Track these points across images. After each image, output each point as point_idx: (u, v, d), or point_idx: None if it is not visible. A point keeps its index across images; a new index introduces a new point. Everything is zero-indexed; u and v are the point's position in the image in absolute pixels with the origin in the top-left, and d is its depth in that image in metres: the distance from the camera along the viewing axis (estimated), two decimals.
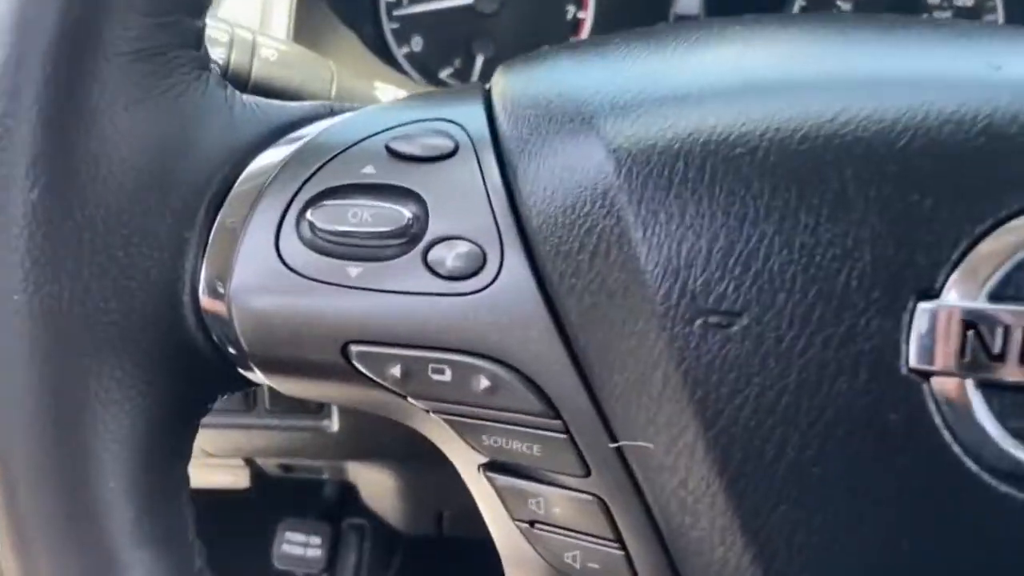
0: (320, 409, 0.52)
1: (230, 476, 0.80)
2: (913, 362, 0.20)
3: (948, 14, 0.65)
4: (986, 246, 0.20)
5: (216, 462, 0.75)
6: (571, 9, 0.64)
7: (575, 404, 0.22)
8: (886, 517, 0.21)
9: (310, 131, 0.25)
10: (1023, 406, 0.20)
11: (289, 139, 0.25)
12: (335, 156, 0.24)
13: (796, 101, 0.22)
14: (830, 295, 0.20)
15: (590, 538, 0.24)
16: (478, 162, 0.23)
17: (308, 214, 0.23)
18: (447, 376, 0.23)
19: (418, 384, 0.23)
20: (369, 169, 0.23)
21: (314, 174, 0.23)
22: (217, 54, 0.34)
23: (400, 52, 0.63)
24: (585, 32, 0.64)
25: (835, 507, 0.21)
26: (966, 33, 0.27)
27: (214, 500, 0.77)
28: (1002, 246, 0.20)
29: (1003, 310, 0.19)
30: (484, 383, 0.22)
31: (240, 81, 0.34)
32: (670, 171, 0.21)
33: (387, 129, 0.24)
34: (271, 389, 0.52)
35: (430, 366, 0.23)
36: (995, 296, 0.20)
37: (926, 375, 0.20)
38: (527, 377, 0.22)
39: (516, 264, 0.22)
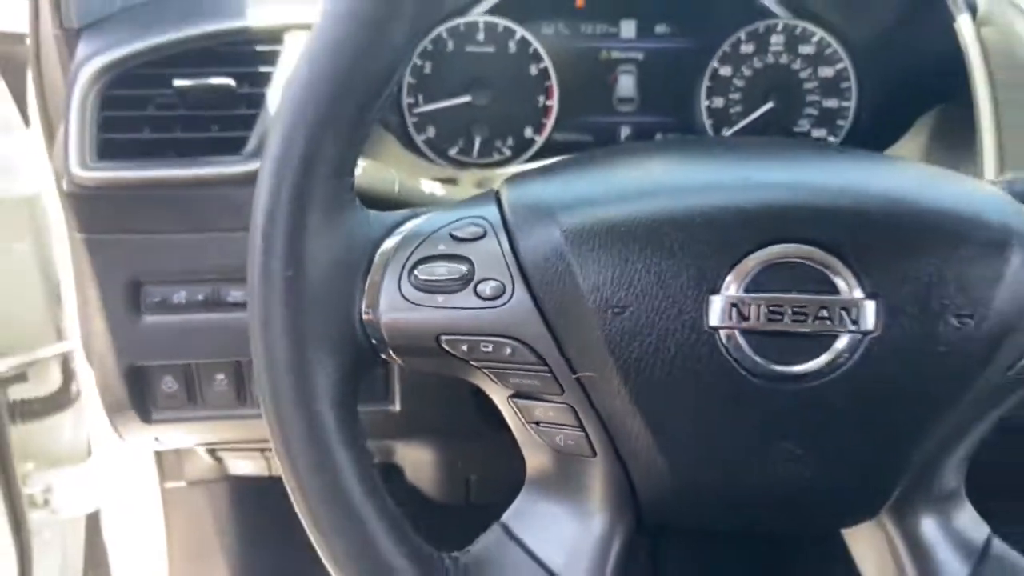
0: (386, 396, 0.74)
1: (262, 463, 1.00)
2: (711, 323, 0.42)
3: (814, 84, 0.87)
4: (740, 267, 0.41)
5: (244, 448, 0.95)
6: (541, 99, 0.87)
7: (554, 357, 0.43)
8: (703, 406, 0.42)
9: (407, 227, 0.46)
10: (763, 342, 0.42)
11: (397, 232, 0.46)
12: (424, 241, 0.45)
13: (655, 200, 0.43)
14: (670, 295, 0.42)
15: (567, 428, 0.45)
16: (497, 239, 0.44)
17: (415, 271, 0.44)
18: (490, 349, 0.44)
19: (475, 354, 0.44)
20: (442, 247, 0.45)
21: (414, 251, 0.45)
22: None
23: (420, 138, 0.85)
24: (551, 116, 0.86)
25: (679, 401, 0.42)
26: (767, 150, 0.49)
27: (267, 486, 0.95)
28: (747, 267, 0.41)
29: (749, 297, 0.41)
30: (508, 351, 0.44)
31: None
32: (593, 240, 0.43)
33: (448, 224, 0.45)
34: None
35: (481, 344, 0.44)
36: (747, 290, 0.42)
37: (717, 330, 0.42)
38: (529, 346, 0.43)
39: (521, 291, 0.43)
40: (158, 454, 1.14)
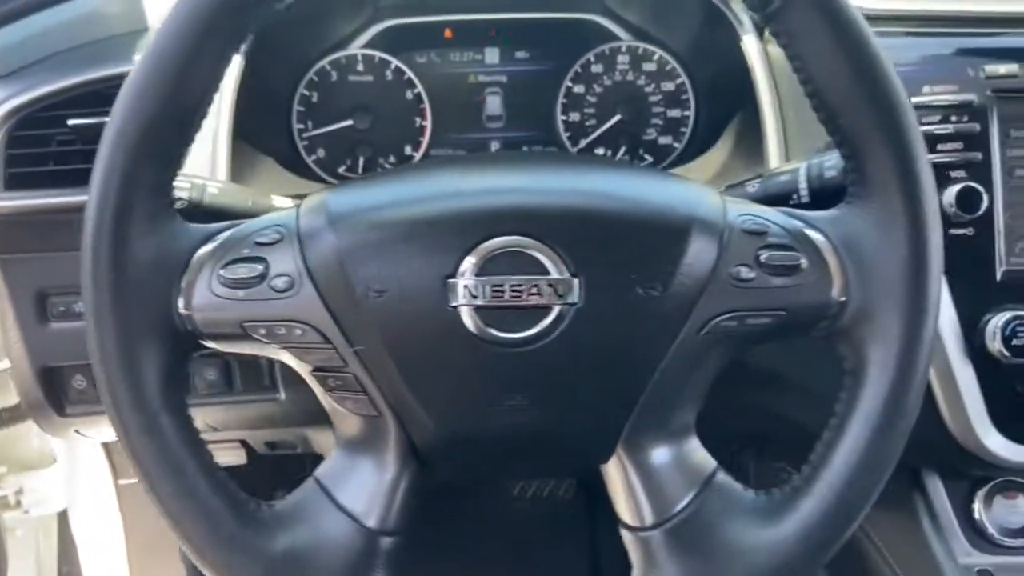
0: (273, 386, 0.85)
1: (230, 455, 1.11)
2: (451, 303, 0.52)
3: (659, 97, 0.98)
4: (471, 256, 0.52)
5: (217, 444, 1.06)
6: (417, 120, 0.98)
7: (335, 335, 0.54)
8: (451, 370, 0.53)
9: (223, 235, 0.56)
10: (493, 316, 0.52)
11: (214, 240, 0.56)
12: (233, 246, 0.54)
13: (411, 206, 0.55)
14: (419, 280, 0.52)
15: (354, 393, 0.55)
16: (291, 243, 0.55)
17: (222, 272, 0.53)
18: (284, 331, 0.53)
19: (273, 336, 0.54)
20: (246, 251, 0.54)
21: (224, 255, 0.54)
22: (185, 195, 0.67)
23: (310, 159, 0.97)
24: (427, 135, 0.98)
25: (431, 366, 0.53)
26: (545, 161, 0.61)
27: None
28: (477, 257, 0.52)
29: (479, 280, 0.52)
30: (299, 332, 0.54)
31: (199, 208, 0.68)
32: (361, 239, 0.53)
33: (256, 231, 0.56)
34: (242, 375, 0.85)
35: (276, 328, 0.54)
36: (477, 275, 0.53)
37: (456, 308, 0.53)
38: (315, 328, 0.54)
39: (308, 284, 0.54)
40: (109, 453, 1.25)
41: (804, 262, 0.55)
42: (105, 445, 1.24)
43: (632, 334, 0.54)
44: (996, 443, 0.77)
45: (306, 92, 0.96)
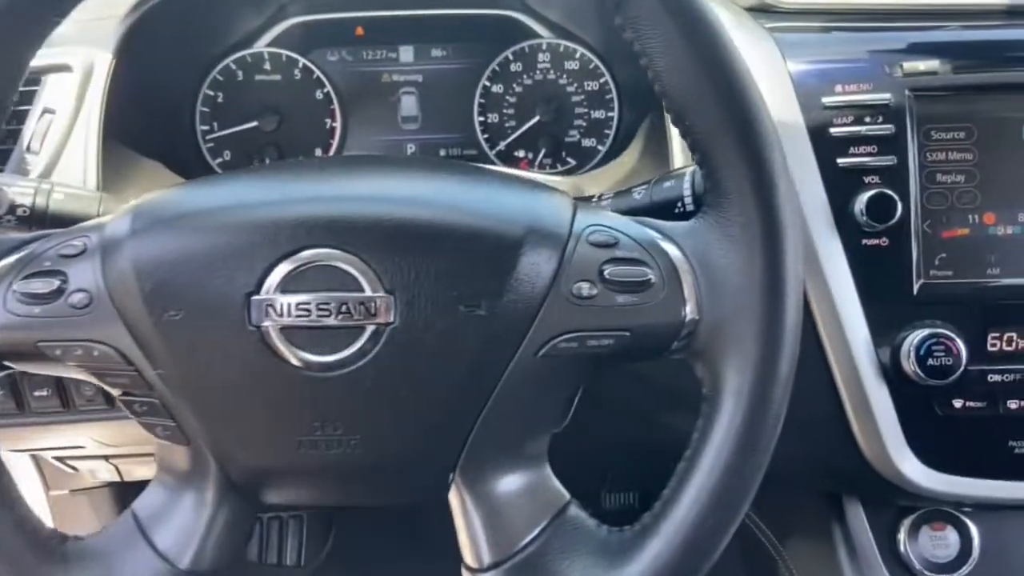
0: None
1: (145, 469, 1.07)
2: (252, 322, 0.47)
3: (581, 97, 0.93)
4: (275, 271, 0.48)
5: (128, 457, 1.02)
6: (328, 121, 0.94)
7: (137, 357, 0.49)
8: (256, 395, 0.48)
9: (28, 248, 0.50)
10: (300, 336, 0.48)
11: (16, 252, 0.50)
12: (35, 259, 0.49)
13: (207, 217, 0.50)
14: (216, 298, 0.48)
15: (162, 420, 0.51)
16: (93, 256, 0.50)
17: (19, 287, 0.48)
18: (80, 352, 0.48)
19: (69, 357, 0.48)
20: (47, 264, 0.49)
21: (23, 268, 0.49)
22: (28, 201, 0.63)
23: (215, 162, 0.93)
24: (336, 137, 0.94)
25: (234, 391, 0.48)
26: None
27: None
28: (281, 271, 0.48)
29: (283, 297, 0.48)
30: (95, 352, 0.49)
31: (43, 214, 0.64)
32: (155, 256, 0.47)
33: (61, 243, 0.52)
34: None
35: (73, 349, 0.49)
36: (283, 291, 0.48)
37: (258, 327, 0.48)
38: (115, 348, 0.49)
39: (106, 300, 0.49)
40: (39, 465, 1.22)
41: (654, 277, 0.50)
42: (34, 457, 1.21)
43: (457, 357, 0.49)
44: (913, 470, 0.71)
45: (210, 92, 0.92)
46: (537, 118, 0.92)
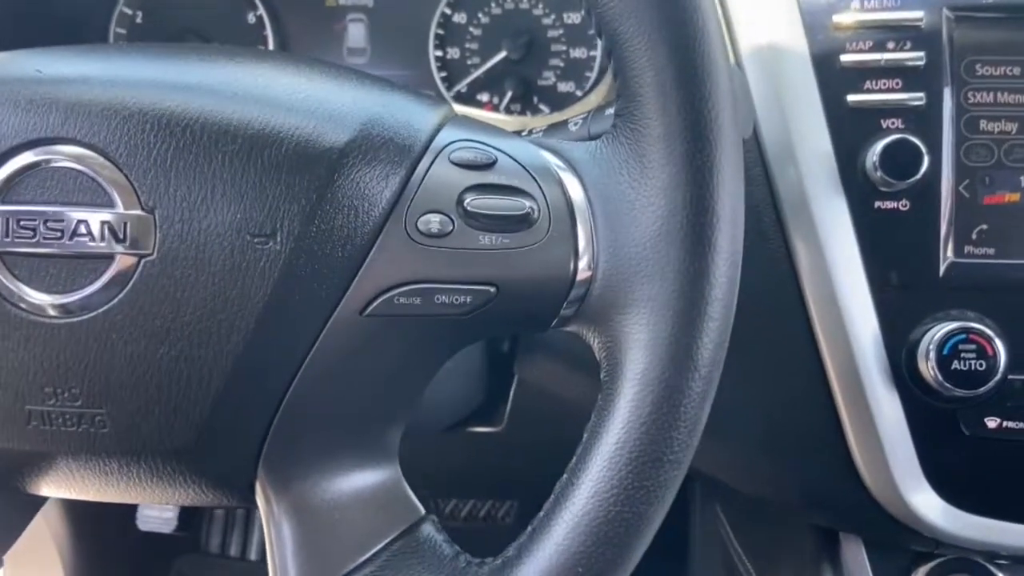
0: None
1: None
2: None
3: (559, 32, 0.78)
4: None
5: None
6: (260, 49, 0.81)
7: None
8: None
9: None
10: (29, 267, 0.34)
11: None
12: None
13: None
14: None
15: None
16: None
17: None
18: None
19: None
20: None
21: None
22: None
23: None
24: None
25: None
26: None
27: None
28: (4, 174, 0.35)
29: (3, 208, 0.35)
30: None
31: None
32: None
33: None
34: None
35: None
36: (2, 202, 0.35)
37: None
38: None
39: None
40: None
41: (535, 212, 0.35)
42: None
43: (242, 305, 0.34)
44: (930, 507, 0.55)
45: (127, 10, 0.79)
46: (504, 54, 0.77)
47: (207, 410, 0.36)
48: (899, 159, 0.51)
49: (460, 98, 0.79)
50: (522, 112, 0.79)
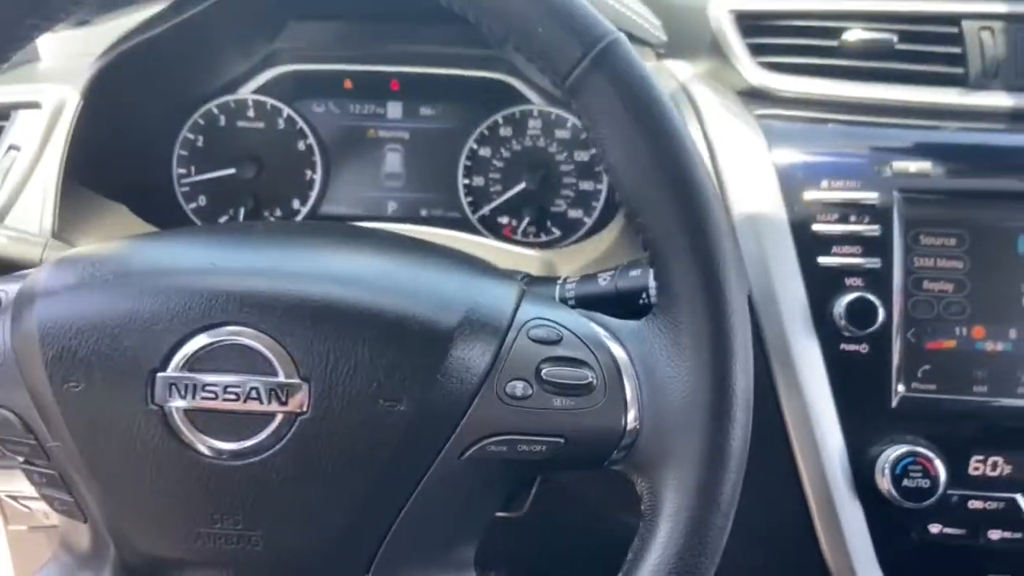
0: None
1: None
2: (155, 401, 0.44)
3: (570, 167, 0.90)
4: (184, 347, 0.45)
5: None
6: (308, 173, 0.92)
7: (37, 426, 0.46)
8: (155, 479, 0.44)
9: None
10: (206, 420, 0.44)
11: None
12: None
13: (116, 288, 0.46)
14: (118, 373, 0.44)
15: (59, 493, 0.47)
16: (6, 311, 0.47)
17: None
18: None
19: None
20: None
21: None
22: None
23: (189, 207, 0.91)
24: (315, 189, 0.91)
25: (133, 473, 0.44)
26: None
27: None
28: (191, 348, 0.45)
29: (189, 376, 0.45)
30: None
31: None
32: (61, 324, 0.45)
33: None
34: None
35: None
36: (190, 370, 0.45)
37: (161, 407, 0.44)
38: (16, 413, 0.45)
39: (12, 363, 0.45)
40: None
41: (595, 380, 0.47)
42: None
43: (373, 454, 0.45)
44: None
45: (190, 136, 0.90)
46: (523, 185, 0.89)
47: (335, 532, 0.46)
48: (860, 313, 0.64)
49: (483, 221, 0.91)
50: (536, 234, 0.91)
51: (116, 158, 0.82)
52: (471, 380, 0.46)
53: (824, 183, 0.67)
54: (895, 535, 0.65)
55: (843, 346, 0.65)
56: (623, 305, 0.61)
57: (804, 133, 0.70)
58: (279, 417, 0.45)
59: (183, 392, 0.44)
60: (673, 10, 0.79)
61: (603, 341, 0.48)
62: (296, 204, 0.91)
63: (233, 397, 0.44)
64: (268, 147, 0.90)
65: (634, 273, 0.61)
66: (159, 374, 0.45)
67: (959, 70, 0.71)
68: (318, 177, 0.91)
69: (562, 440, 0.46)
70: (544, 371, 0.46)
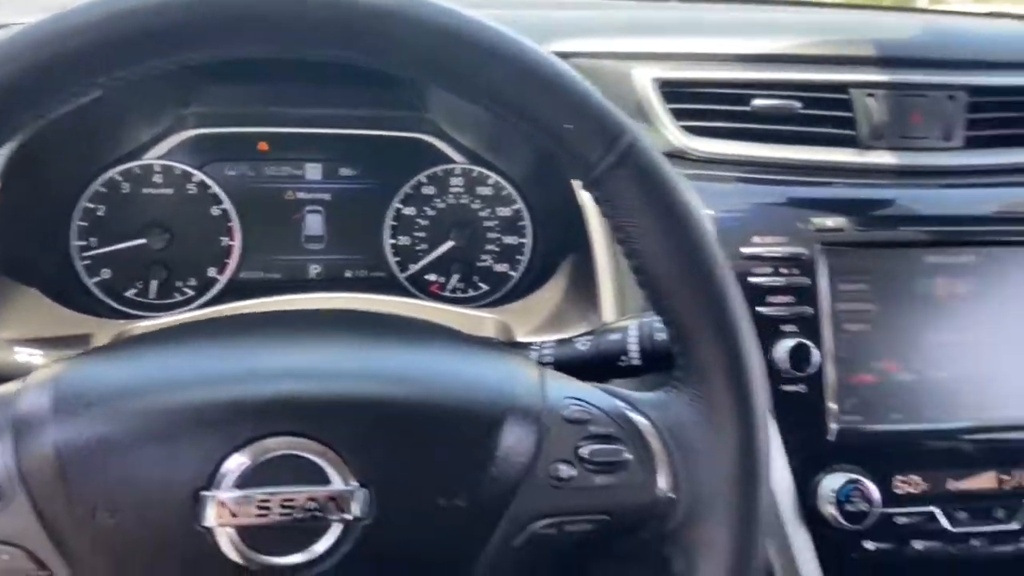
0: None
1: None
2: (203, 523, 0.42)
3: (494, 223, 0.93)
4: (230, 462, 0.43)
5: None
6: (224, 239, 0.88)
7: (55, 564, 0.41)
8: None
9: None
10: (257, 537, 0.43)
11: None
12: None
13: (147, 397, 0.43)
14: (161, 495, 0.42)
15: None
16: (5, 431, 0.43)
17: None
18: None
19: None
20: None
21: None
22: None
23: (92, 281, 0.84)
24: (233, 256, 0.87)
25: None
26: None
27: None
28: (239, 462, 0.43)
29: (239, 494, 0.43)
30: (5, 557, 0.42)
31: None
32: (86, 445, 0.41)
33: None
34: None
35: None
36: (238, 486, 0.43)
37: (210, 529, 0.43)
38: (29, 552, 0.41)
39: (20, 490, 0.41)
40: None
41: (628, 455, 0.49)
42: None
43: (432, 554, 0.45)
44: None
45: (90, 205, 0.83)
46: (451, 243, 0.90)
47: None
48: (798, 357, 0.71)
49: (411, 279, 0.91)
50: (464, 291, 0.92)
51: (24, 239, 0.75)
52: (520, 464, 0.47)
53: (755, 239, 0.73)
54: (837, 555, 0.72)
55: (784, 387, 0.72)
56: (600, 368, 0.64)
57: (732, 192, 0.76)
58: (337, 527, 0.43)
59: (235, 511, 0.42)
60: (598, 75, 0.83)
61: (626, 414, 0.51)
62: (212, 272, 0.87)
63: (287, 511, 0.43)
64: (178, 214, 0.86)
65: (613, 337, 0.64)
66: (203, 493, 0.42)
67: (851, 132, 0.80)
68: (236, 243, 0.87)
69: (607, 516, 0.48)
70: (582, 450, 0.48)
